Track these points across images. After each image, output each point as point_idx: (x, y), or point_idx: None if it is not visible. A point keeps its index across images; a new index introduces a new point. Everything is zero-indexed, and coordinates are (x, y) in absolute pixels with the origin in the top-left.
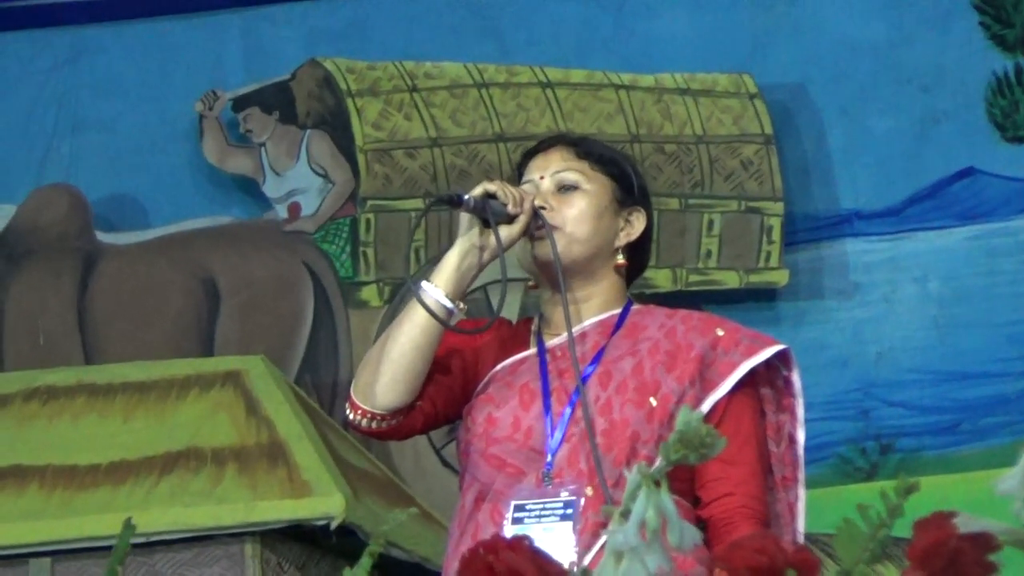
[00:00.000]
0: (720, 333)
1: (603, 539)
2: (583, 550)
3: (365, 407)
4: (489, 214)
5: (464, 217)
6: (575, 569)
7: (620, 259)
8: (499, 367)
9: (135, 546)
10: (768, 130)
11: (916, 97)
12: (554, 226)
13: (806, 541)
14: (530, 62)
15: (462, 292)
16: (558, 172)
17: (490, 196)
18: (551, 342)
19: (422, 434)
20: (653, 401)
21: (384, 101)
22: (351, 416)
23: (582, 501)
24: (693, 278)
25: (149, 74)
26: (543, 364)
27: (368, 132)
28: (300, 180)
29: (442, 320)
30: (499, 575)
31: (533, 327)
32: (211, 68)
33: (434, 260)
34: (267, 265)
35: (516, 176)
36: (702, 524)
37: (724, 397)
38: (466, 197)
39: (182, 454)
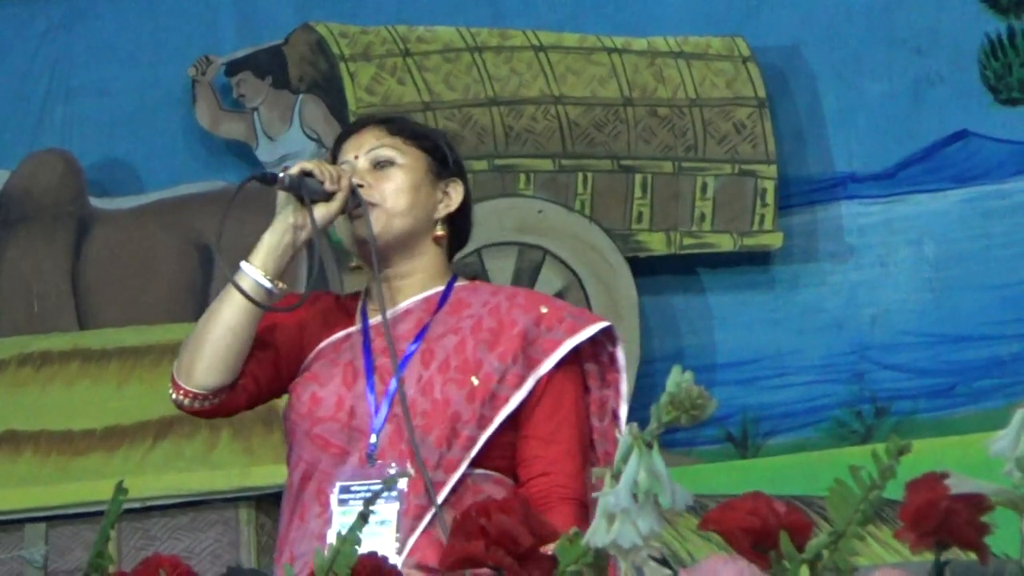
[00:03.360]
0: (544, 310)
1: (425, 521)
2: (406, 534)
3: (187, 387)
4: (305, 192)
5: (281, 196)
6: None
7: (440, 231)
8: (323, 344)
9: (130, 511)
10: (761, 93)
11: (910, 59)
12: (373, 203)
13: (799, 503)
14: (524, 26)
15: (280, 271)
16: (372, 150)
17: (307, 174)
18: (374, 319)
19: (247, 410)
20: (475, 380)
21: (377, 65)
22: (173, 396)
23: (406, 482)
24: (687, 241)
25: (142, 39)
26: (366, 342)
27: (361, 96)
28: (293, 144)
29: (259, 302)
30: (492, 537)
31: (359, 304)
32: (204, 33)
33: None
34: (261, 229)
35: (331, 160)
36: None
37: (546, 374)
38: (281, 175)
39: (176, 419)
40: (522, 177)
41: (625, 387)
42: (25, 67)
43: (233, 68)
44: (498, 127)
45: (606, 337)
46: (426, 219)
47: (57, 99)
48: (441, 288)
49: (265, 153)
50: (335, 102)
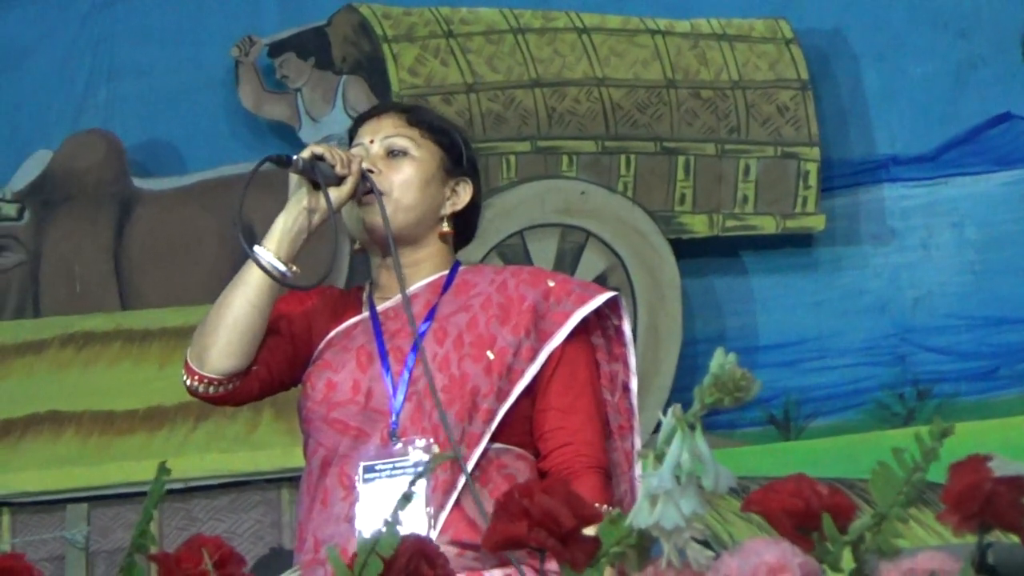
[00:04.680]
0: (551, 284)
1: (454, 496)
2: (437, 508)
3: (201, 372)
4: (319, 176)
5: (293, 180)
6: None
7: (445, 227)
8: (333, 333)
9: (172, 492)
10: (804, 75)
11: (953, 42)
12: (380, 191)
13: (841, 485)
14: (567, 8)
15: (294, 254)
16: (388, 137)
17: (318, 158)
18: (382, 306)
19: (258, 400)
20: (491, 354)
21: (420, 47)
22: (188, 382)
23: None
24: (730, 223)
25: (185, 20)
26: (376, 326)
27: (404, 78)
28: (336, 126)
29: (277, 279)
30: (535, 518)
31: (364, 294)
32: (247, 14)
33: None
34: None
35: (348, 141)
36: (543, 476)
37: (559, 346)
38: (294, 157)
39: None
40: (565, 159)
41: (633, 361)
42: (68, 48)
43: (276, 49)
44: (541, 109)
45: (611, 310)
46: (431, 215)
47: (100, 80)
48: (445, 272)
49: (308, 134)
50: (378, 83)
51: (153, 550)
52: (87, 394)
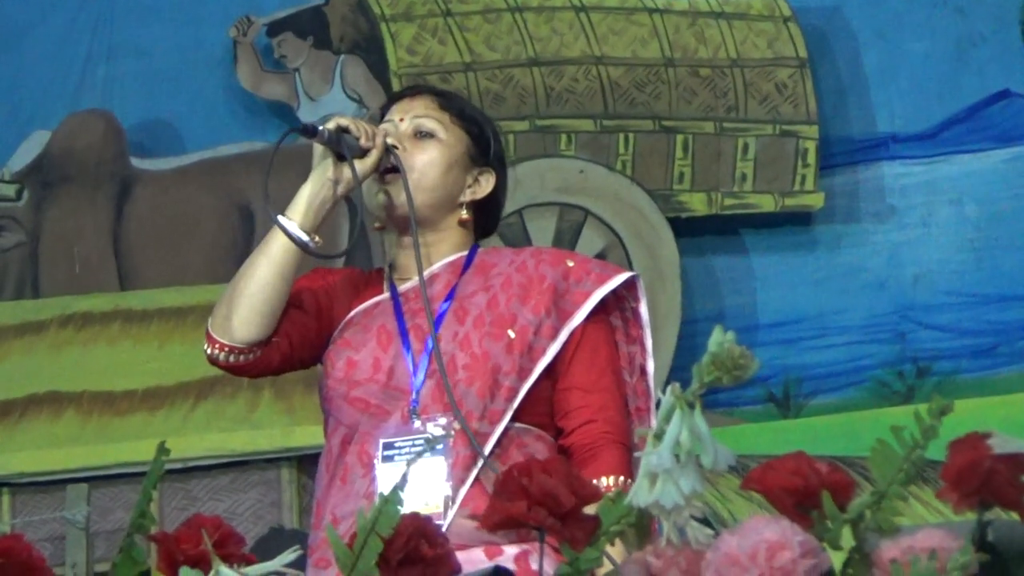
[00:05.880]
0: (571, 264)
1: (474, 472)
2: (456, 484)
3: (222, 340)
4: (344, 147)
5: (317, 151)
6: (450, 503)
7: (464, 214)
8: (354, 312)
9: (172, 472)
10: (802, 53)
11: (952, 19)
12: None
13: (841, 463)
14: None
15: (317, 225)
16: (418, 117)
17: (343, 130)
18: (403, 287)
19: (276, 374)
20: (511, 333)
21: (418, 26)
22: (209, 351)
23: (452, 435)
24: (728, 201)
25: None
26: (397, 306)
27: (402, 57)
28: (334, 105)
29: (301, 247)
30: (534, 497)
31: (385, 275)
32: None
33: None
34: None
35: (380, 118)
36: (565, 455)
37: (579, 326)
38: (320, 128)
39: (218, 380)
40: (563, 137)
41: (650, 343)
42: (67, 27)
43: (274, 29)
44: (539, 88)
45: (629, 292)
46: (450, 200)
47: (98, 60)
48: (465, 253)
49: (306, 114)
50: (376, 62)
51: (153, 530)
52: (86, 374)
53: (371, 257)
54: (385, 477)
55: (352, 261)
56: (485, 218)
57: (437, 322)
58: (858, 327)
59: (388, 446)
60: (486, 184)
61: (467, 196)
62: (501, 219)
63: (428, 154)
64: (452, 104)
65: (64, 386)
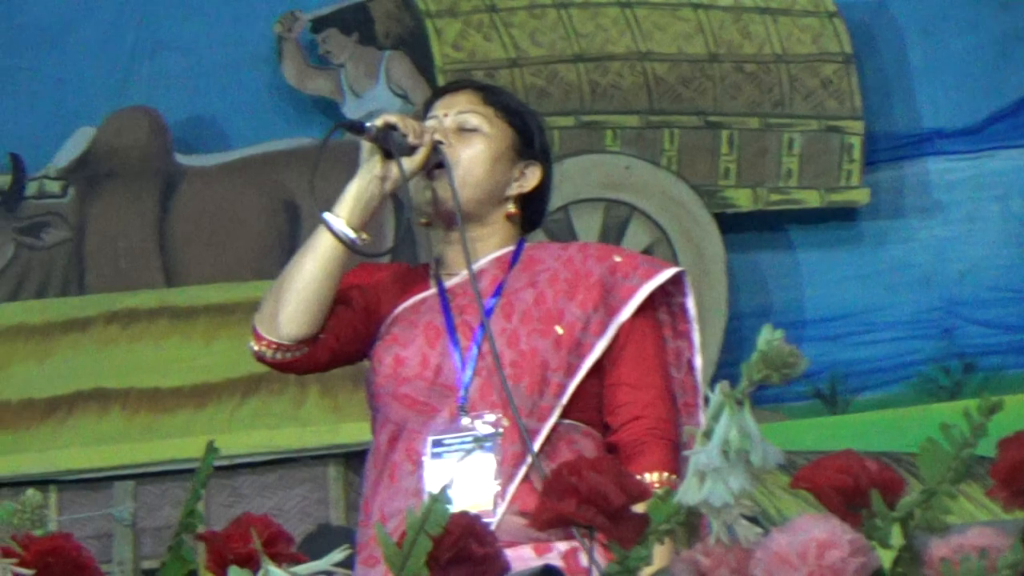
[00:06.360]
0: (618, 259)
1: (523, 470)
2: (505, 481)
3: (269, 338)
4: (392, 145)
5: (365, 148)
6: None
7: (511, 208)
8: (400, 308)
9: (218, 469)
10: (848, 49)
11: (996, 14)
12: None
13: (888, 460)
14: None
15: (364, 222)
16: (462, 112)
17: (391, 127)
18: (449, 283)
19: (323, 371)
20: (559, 329)
21: (463, 22)
22: (255, 348)
23: (501, 432)
24: (773, 197)
25: None
26: (444, 302)
27: (447, 53)
28: (380, 101)
29: (348, 246)
30: (583, 496)
31: (431, 271)
32: None
33: None
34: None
35: (423, 114)
36: (612, 451)
37: (627, 321)
38: (368, 125)
39: (265, 376)
40: (608, 133)
41: (697, 337)
42: (111, 24)
43: (319, 24)
44: (584, 83)
45: (675, 287)
46: (496, 194)
47: (143, 56)
48: (512, 248)
49: (351, 110)
50: (421, 58)
51: (200, 529)
52: (132, 371)
53: (416, 253)
54: (434, 474)
55: (397, 257)
56: (531, 211)
57: (485, 317)
58: (904, 323)
59: (437, 443)
60: (532, 177)
61: (513, 190)
62: (547, 213)
63: (473, 149)
64: (495, 98)
65: (110, 383)
